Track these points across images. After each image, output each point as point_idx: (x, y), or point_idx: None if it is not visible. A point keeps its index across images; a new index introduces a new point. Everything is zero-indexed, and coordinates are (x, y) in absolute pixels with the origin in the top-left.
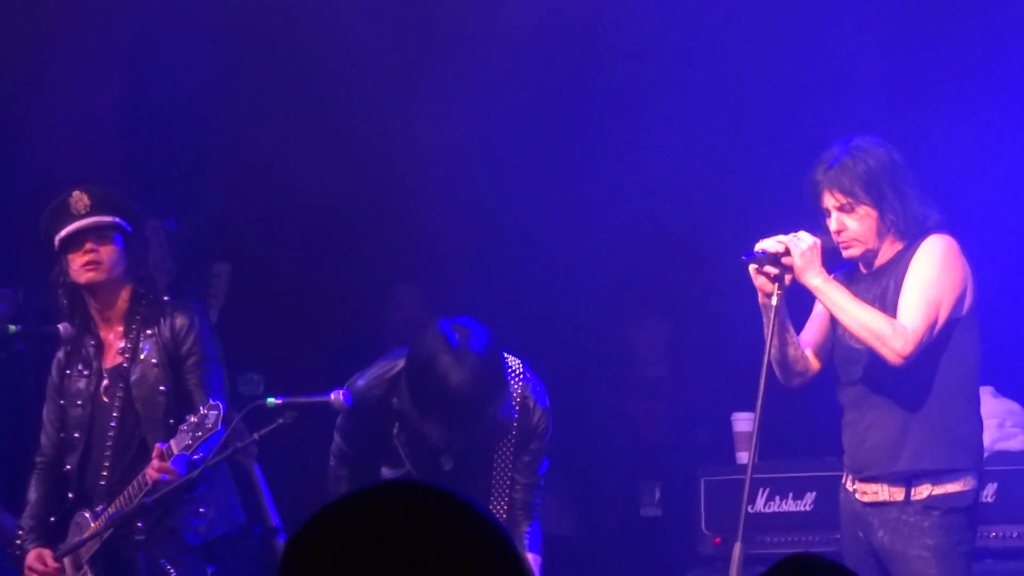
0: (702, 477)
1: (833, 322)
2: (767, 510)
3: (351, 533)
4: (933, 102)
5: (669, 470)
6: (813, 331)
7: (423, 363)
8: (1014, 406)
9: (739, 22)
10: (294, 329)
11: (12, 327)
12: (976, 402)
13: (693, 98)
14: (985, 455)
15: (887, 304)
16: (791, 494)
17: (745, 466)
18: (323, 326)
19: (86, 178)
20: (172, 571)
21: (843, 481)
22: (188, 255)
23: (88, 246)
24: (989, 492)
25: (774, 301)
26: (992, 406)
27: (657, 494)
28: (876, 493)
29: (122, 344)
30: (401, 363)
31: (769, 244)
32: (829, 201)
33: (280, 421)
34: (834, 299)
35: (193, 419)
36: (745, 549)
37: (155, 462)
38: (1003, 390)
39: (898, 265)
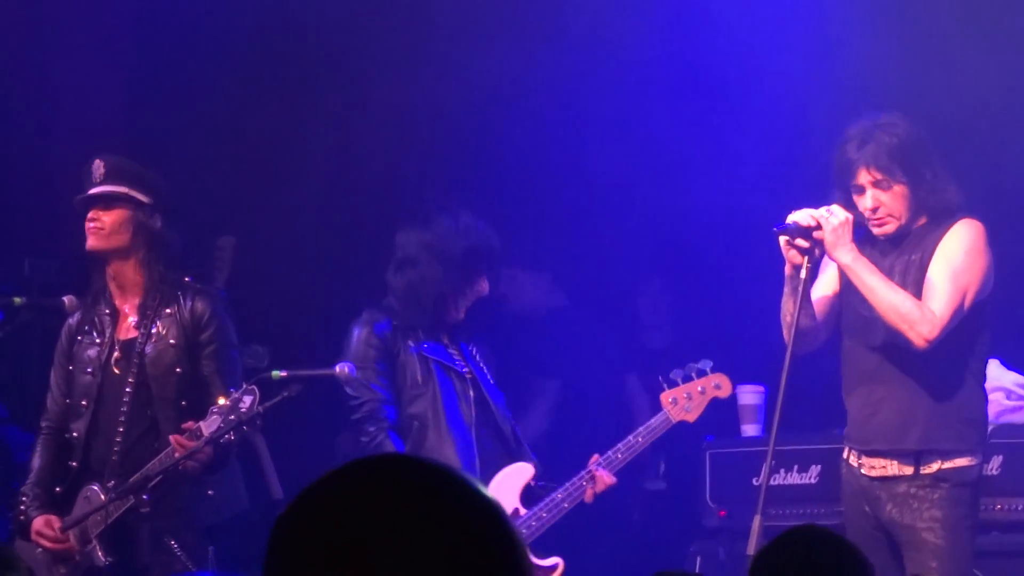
0: (707, 450)
1: (844, 288)
2: (773, 482)
3: (338, 511)
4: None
5: (674, 443)
6: (821, 299)
7: (449, 231)
8: (1020, 378)
9: None
10: (299, 302)
11: (17, 299)
12: (983, 379)
13: (709, 66)
14: (990, 428)
15: (908, 279)
16: (796, 467)
17: (750, 439)
18: (328, 299)
19: (92, 149)
20: (176, 547)
21: (844, 456)
22: (192, 228)
23: (91, 214)
24: (994, 465)
25: (803, 274)
26: (998, 378)
27: (662, 467)
28: (884, 468)
29: (137, 318)
30: (365, 313)
31: (801, 217)
32: (864, 178)
33: (285, 394)
34: (864, 278)
35: (225, 403)
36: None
37: (182, 440)
38: (1009, 362)
39: (924, 240)
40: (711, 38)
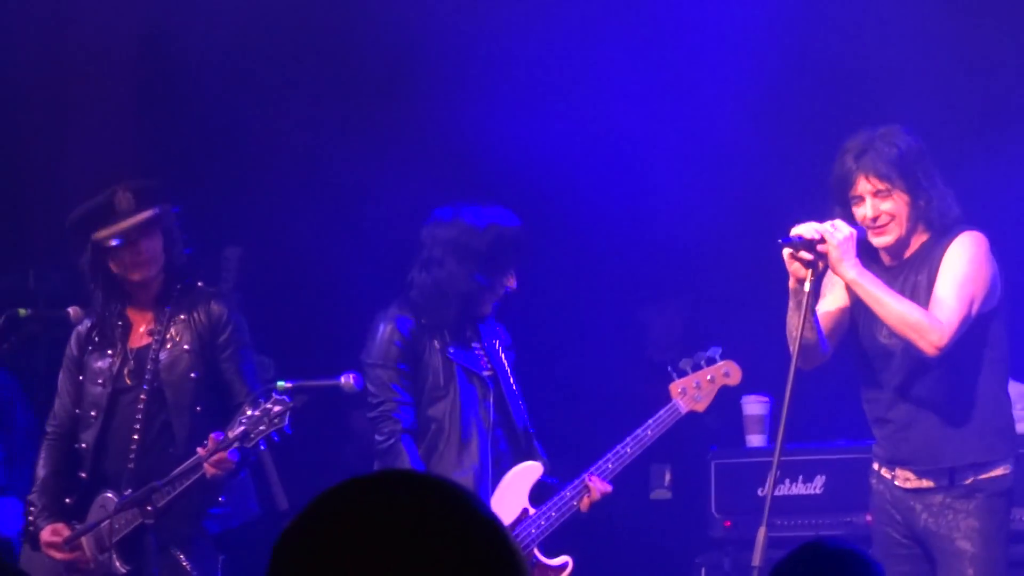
0: (712, 460)
1: (854, 316)
2: (777, 493)
3: (338, 530)
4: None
5: (679, 453)
6: (826, 316)
7: (474, 228)
8: None
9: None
10: (305, 313)
11: (23, 310)
12: (1006, 384)
13: (721, 86)
14: None
15: (919, 297)
16: (801, 477)
17: (755, 449)
18: (334, 309)
19: (99, 166)
20: (182, 558)
21: (874, 467)
22: (198, 239)
23: (141, 246)
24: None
25: (806, 287)
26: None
27: (667, 477)
28: (919, 481)
29: (150, 327)
30: (393, 306)
31: (805, 230)
32: (864, 187)
33: (291, 404)
34: (870, 291)
35: (253, 412)
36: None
37: (211, 450)
38: (1017, 374)
39: (929, 258)
40: (727, 50)
